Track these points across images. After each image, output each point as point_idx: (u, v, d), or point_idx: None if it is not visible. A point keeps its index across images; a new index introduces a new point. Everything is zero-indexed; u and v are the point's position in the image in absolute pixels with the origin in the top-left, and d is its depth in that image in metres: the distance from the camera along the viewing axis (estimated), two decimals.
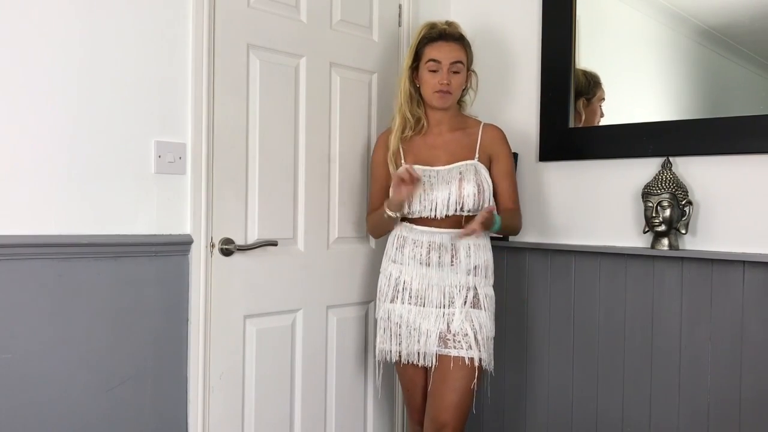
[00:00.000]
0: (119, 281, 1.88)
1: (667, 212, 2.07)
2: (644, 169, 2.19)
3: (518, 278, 2.48)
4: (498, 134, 2.24)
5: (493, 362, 2.15)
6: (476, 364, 2.07)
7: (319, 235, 2.37)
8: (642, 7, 2.30)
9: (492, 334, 2.15)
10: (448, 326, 2.10)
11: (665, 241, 2.10)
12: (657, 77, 2.27)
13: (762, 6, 2.01)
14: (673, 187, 2.08)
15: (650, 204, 2.09)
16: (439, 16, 2.51)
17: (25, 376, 1.72)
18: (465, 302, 2.11)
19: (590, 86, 2.32)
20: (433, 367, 2.11)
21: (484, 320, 2.12)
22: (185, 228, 2.02)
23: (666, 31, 2.27)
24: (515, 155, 2.48)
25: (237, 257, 2.13)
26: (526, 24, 2.48)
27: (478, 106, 2.39)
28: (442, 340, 2.10)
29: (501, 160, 2.22)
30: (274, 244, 2.20)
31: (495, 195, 2.21)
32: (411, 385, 2.24)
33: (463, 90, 2.26)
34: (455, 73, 2.16)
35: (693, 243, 2.11)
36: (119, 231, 1.88)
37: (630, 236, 2.23)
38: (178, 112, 2.00)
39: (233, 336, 2.14)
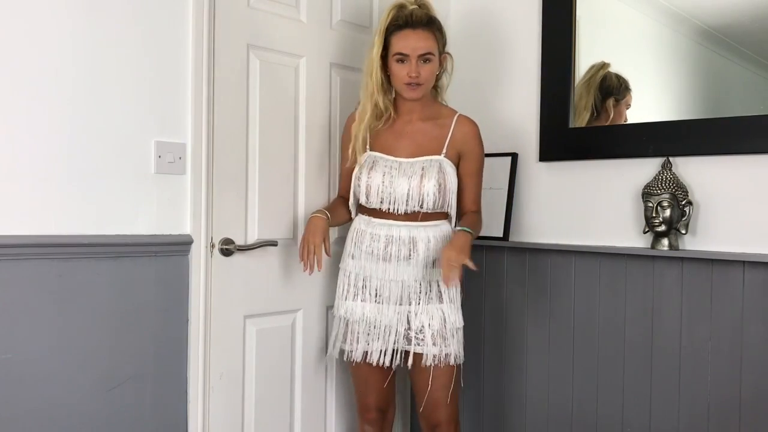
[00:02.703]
0: (119, 281, 1.88)
1: (667, 212, 2.07)
2: (644, 169, 2.19)
3: (518, 278, 2.48)
4: (472, 130, 2.13)
5: (462, 353, 2.11)
6: (444, 361, 2.04)
7: None
8: (642, 7, 2.30)
9: (459, 324, 2.09)
10: (409, 323, 2.06)
11: (665, 242, 2.10)
12: (657, 77, 2.27)
13: (762, 6, 2.01)
14: (673, 187, 2.08)
15: (650, 204, 2.09)
16: (439, 14, 2.50)
17: (25, 376, 1.72)
18: (425, 298, 2.06)
19: (621, 88, 2.32)
20: (400, 364, 2.10)
21: (447, 312, 2.07)
22: (185, 228, 2.02)
23: (666, 31, 2.27)
24: (515, 155, 2.48)
25: (237, 257, 2.13)
26: (526, 25, 2.48)
27: (477, 106, 2.39)
28: (406, 337, 2.07)
29: (470, 159, 2.13)
30: (274, 244, 2.20)
31: (458, 193, 2.12)
32: (365, 385, 2.19)
33: (437, 75, 2.13)
34: (426, 62, 2.03)
35: (693, 243, 2.11)
36: (119, 231, 1.88)
37: (630, 236, 2.23)
38: (178, 112, 2.00)
39: (233, 336, 2.14)
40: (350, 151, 2.13)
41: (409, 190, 2.05)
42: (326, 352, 2.32)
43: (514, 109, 2.51)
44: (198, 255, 2.03)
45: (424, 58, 2.03)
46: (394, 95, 2.14)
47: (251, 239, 2.18)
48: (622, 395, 2.23)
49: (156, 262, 1.95)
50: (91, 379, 1.83)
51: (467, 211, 2.16)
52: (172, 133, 1.99)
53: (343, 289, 2.16)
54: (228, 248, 2.10)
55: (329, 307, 2.41)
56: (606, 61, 2.34)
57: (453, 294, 2.10)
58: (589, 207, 2.33)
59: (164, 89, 1.96)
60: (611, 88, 2.33)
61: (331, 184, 2.40)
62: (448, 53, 2.15)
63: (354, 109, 2.23)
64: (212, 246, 2.07)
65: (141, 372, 1.93)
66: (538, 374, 2.43)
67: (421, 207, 2.06)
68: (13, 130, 1.70)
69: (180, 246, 2.00)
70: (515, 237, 2.50)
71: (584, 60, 2.36)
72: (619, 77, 2.32)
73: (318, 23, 2.35)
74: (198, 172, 2.03)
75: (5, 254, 1.68)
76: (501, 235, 2.47)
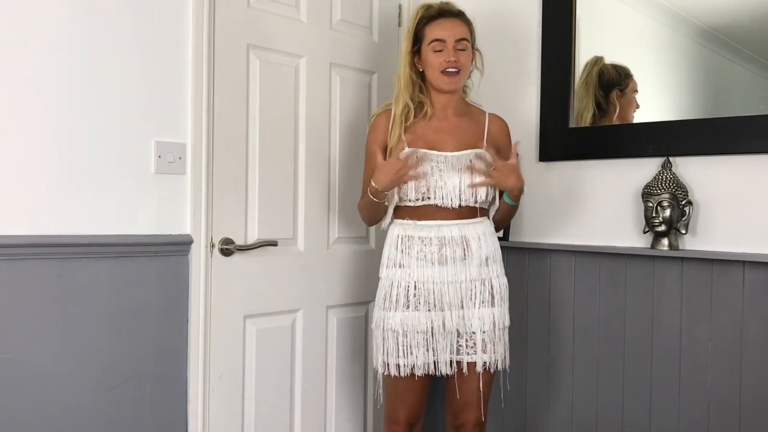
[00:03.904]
0: (119, 281, 1.88)
1: (667, 212, 2.07)
2: (644, 169, 2.19)
3: (518, 278, 2.48)
4: (505, 126, 2.17)
5: (508, 355, 2.08)
6: (491, 369, 2.02)
7: (319, 235, 2.37)
8: (642, 7, 2.30)
9: (507, 324, 2.06)
10: (460, 330, 2.00)
11: (665, 241, 2.10)
12: (657, 77, 2.27)
13: (762, 6, 2.01)
14: (673, 187, 2.08)
15: (650, 204, 2.09)
16: None
17: (25, 376, 1.72)
18: (480, 301, 2.01)
19: (621, 78, 2.30)
20: (449, 374, 2.02)
21: (498, 315, 2.03)
22: (185, 228, 2.02)
23: (666, 31, 2.27)
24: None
25: (237, 257, 2.13)
26: (526, 25, 2.48)
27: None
28: (456, 346, 2.01)
29: (506, 155, 2.13)
30: (274, 244, 2.20)
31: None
32: (401, 399, 2.04)
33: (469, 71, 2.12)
34: (461, 50, 2.02)
35: (693, 243, 2.11)
36: (119, 231, 1.88)
37: (630, 236, 2.23)
38: (178, 112, 2.00)
39: (233, 336, 2.14)
40: (383, 149, 2.07)
41: (460, 182, 1.99)
42: (378, 368, 2.05)
43: (514, 109, 2.50)
44: (198, 255, 2.03)
45: (460, 45, 2.03)
46: (428, 94, 2.10)
47: (251, 239, 2.18)
48: (622, 395, 2.23)
49: (156, 262, 1.95)
50: (91, 380, 1.83)
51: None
52: (172, 133, 1.99)
53: (392, 301, 2.00)
54: (228, 248, 2.10)
55: (329, 307, 2.41)
56: (598, 54, 2.33)
57: (504, 292, 2.06)
58: (589, 207, 2.33)
59: (164, 89, 1.97)
60: (611, 80, 2.32)
61: (331, 185, 2.40)
62: (477, 49, 2.13)
63: (376, 113, 2.17)
64: (212, 246, 2.07)
65: (141, 372, 1.93)
66: (537, 374, 2.43)
67: (476, 201, 2.01)
68: (13, 130, 1.70)
69: (180, 246, 2.00)
70: (515, 237, 2.50)
71: (584, 60, 2.36)
72: (616, 67, 2.31)
73: (318, 23, 2.35)
74: (198, 172, 2.03)
75: (5, 254, 1.68)
76: (501, 235, 2.47)
